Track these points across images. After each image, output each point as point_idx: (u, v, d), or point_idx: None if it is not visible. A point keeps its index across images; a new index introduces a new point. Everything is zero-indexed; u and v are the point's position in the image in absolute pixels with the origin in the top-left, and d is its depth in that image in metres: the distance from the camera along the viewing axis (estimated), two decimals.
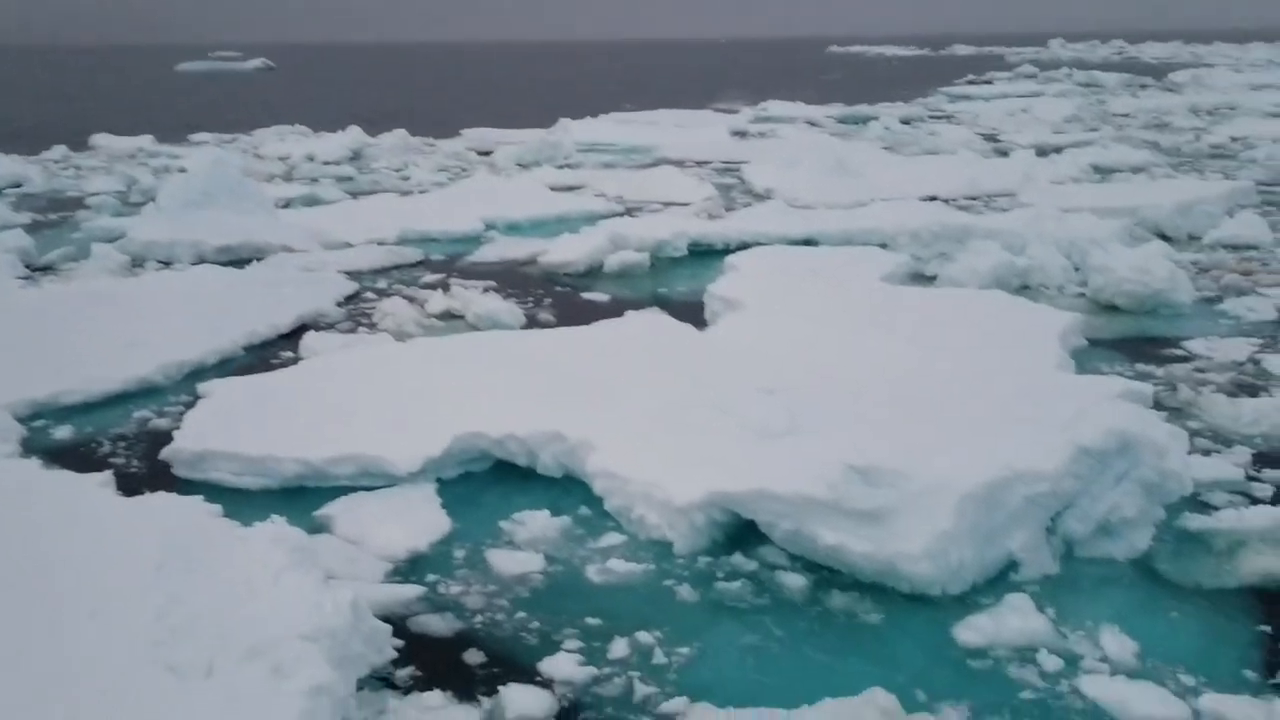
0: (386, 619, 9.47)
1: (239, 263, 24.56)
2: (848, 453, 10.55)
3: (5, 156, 41.75)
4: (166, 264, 25.09)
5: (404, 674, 8.98)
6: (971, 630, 9.19)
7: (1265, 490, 11.91)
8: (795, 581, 10.19)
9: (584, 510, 11.82)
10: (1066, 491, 10.37)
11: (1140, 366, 16.90)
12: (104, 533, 10.14)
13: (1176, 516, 11.18)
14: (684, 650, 9.26)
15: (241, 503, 11.66)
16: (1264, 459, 12.86)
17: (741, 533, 10.90)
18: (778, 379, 13.35)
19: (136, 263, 25.28)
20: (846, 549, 9.96)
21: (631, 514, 11.23)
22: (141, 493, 11.51)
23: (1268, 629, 9.36)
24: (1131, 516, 10.60)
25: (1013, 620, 9.12)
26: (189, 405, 15.07)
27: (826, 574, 10.26)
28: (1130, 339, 18.54)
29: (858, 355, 14.60)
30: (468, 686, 8.85)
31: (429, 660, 9.25)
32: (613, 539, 11.24)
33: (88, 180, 39.70)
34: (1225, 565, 10.35)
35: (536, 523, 11.55)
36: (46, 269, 25.26)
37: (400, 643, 9.33)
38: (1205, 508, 11.47)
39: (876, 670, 8.80)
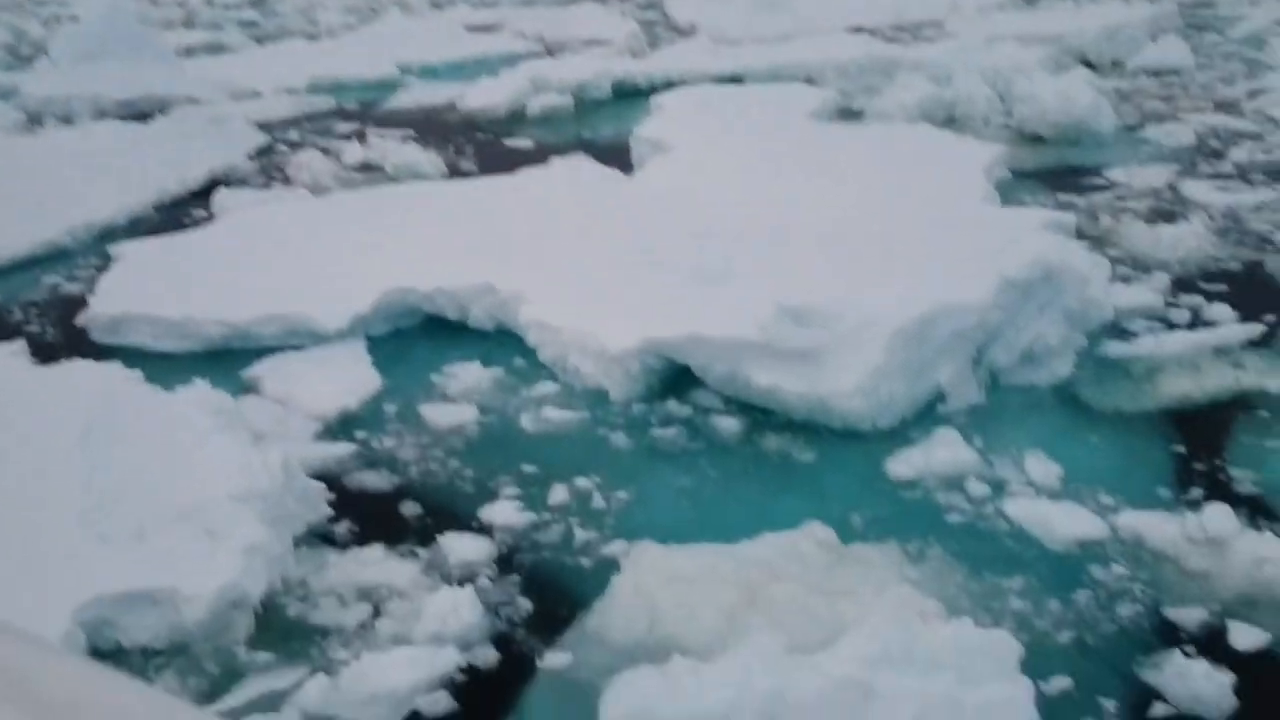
0: (320, 477, 9.43)
1: (141, 117, 23.37)
2: (782, 294, 10.57)
3: None
4: (66, 121, 23.88)
5: (341, 530, 8.97)
6: (903, 463, 9.43)
7: (1182, 315, 12.22)
8: (730, 424, 10.32)
9: (518, 362, 11.77)
10: (992, 323, 10.55)
11: (1063, 196, 17.06)
12: (23, 404, 9.88)
13: (1098, 344, 11.49)
14: (622, 494, 9.39)
15: (164, 367, 11.39)
16: (1181, 284, 13.16)
17: (676, 378, 10.96)
18: (709, 224, 13.24)
19: (34, 120, 24.03)
20: (780, 389, 10.07)
21: (566, 364, 11.21)
22: (58, 361, 11.20)
23: (1183, 449, 9.74)
24: (1054, 344, 10.85)
25: (941, 452, 9.37)
26: (101, 269, 14.58)
27: (760, 415, 10.40)
28: (1054, 169, 18.66)
29: (788, 196, 14.49)
30: (407, 538, 8.88)
31: (366, 515, 9.23)
32: (548, 389, 11.23)
33: None
34: (1144, 390, 10.69)
35: (470, 375, 11.49)
36: None
37: (335, 499, 9.30)
38: (1125, 335, 11.78)
39: (812, 505, 8.98)
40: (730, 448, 10.08)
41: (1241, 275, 13.50)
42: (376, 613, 7.90)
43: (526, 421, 10.67)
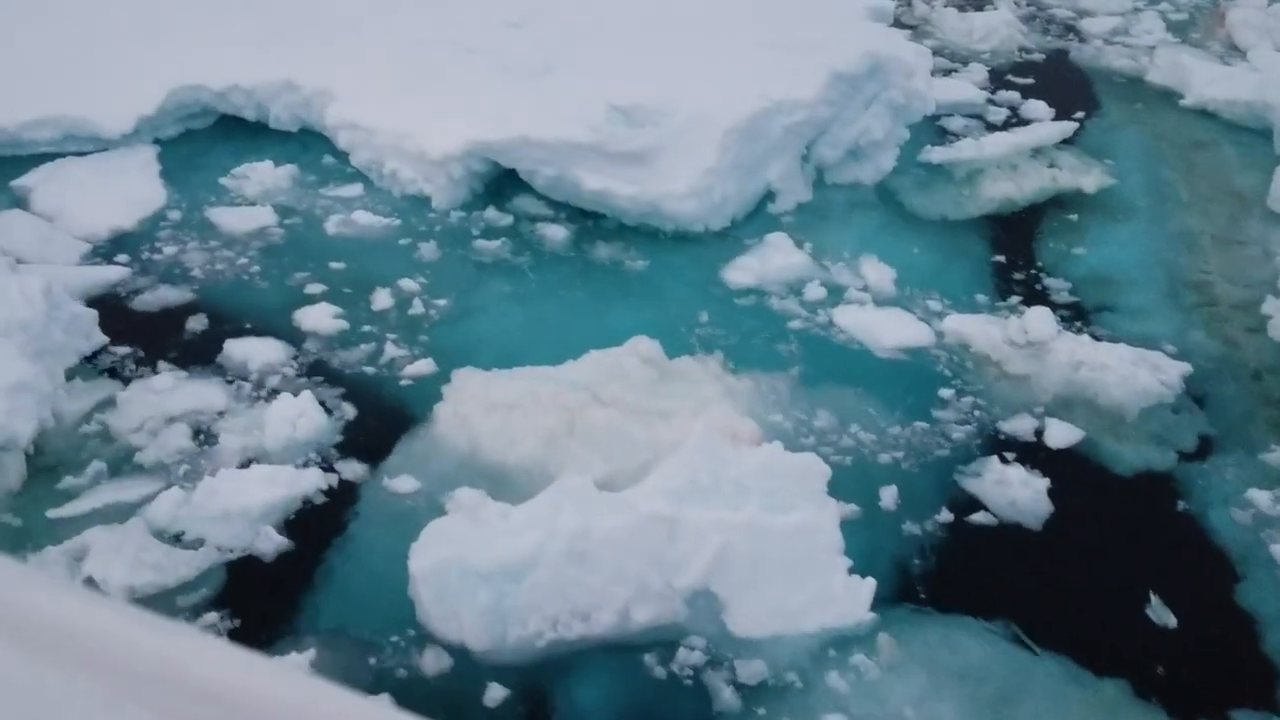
0: (97, 302, 8.59)
1: None
2: (609, 91, 10.15)
3: None
4: None
5: (122, 357, 8.18)
6: (736, 270, 9.42)
7: (999, 114, 12.44)
8: (558, 232, 10.01)
9: (327, 165, 10.98)
10: (821, 119, 10.49)
11: None
12: None
13: (920, 140, 11.61)
14: (445, 306, 8.98)
15: None
16: (996, 77, 13.41)
17: (500, 183, 10.50)
18: (519, 10, 12.44)
19: None
20: (611, 192, 9.80)
21: (383, 169, 10.52)
22: None
23: (1004, 253, 10.05)
24: (879, 139, 10.92)
25: (776, 258, 9.40)
26: None
27: (590, 223, 10.13)
28: None
29: None
30: (200, 358, 8.22)
31: (152, 339, 8.45)
32: (361, 194, 10.55)
33: None
34: (966, 194, 10.92)
35: (271, 181, 10.63)
36: None
37: (116, 324, 8.45)
38: (947, 135, 11.94)
39: (644, 316, 8.83)
40: (559, 257, 9.80)
41: (1050, 67, 13.86)
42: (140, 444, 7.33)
43: (338, 228, 10.03)
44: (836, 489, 6.62)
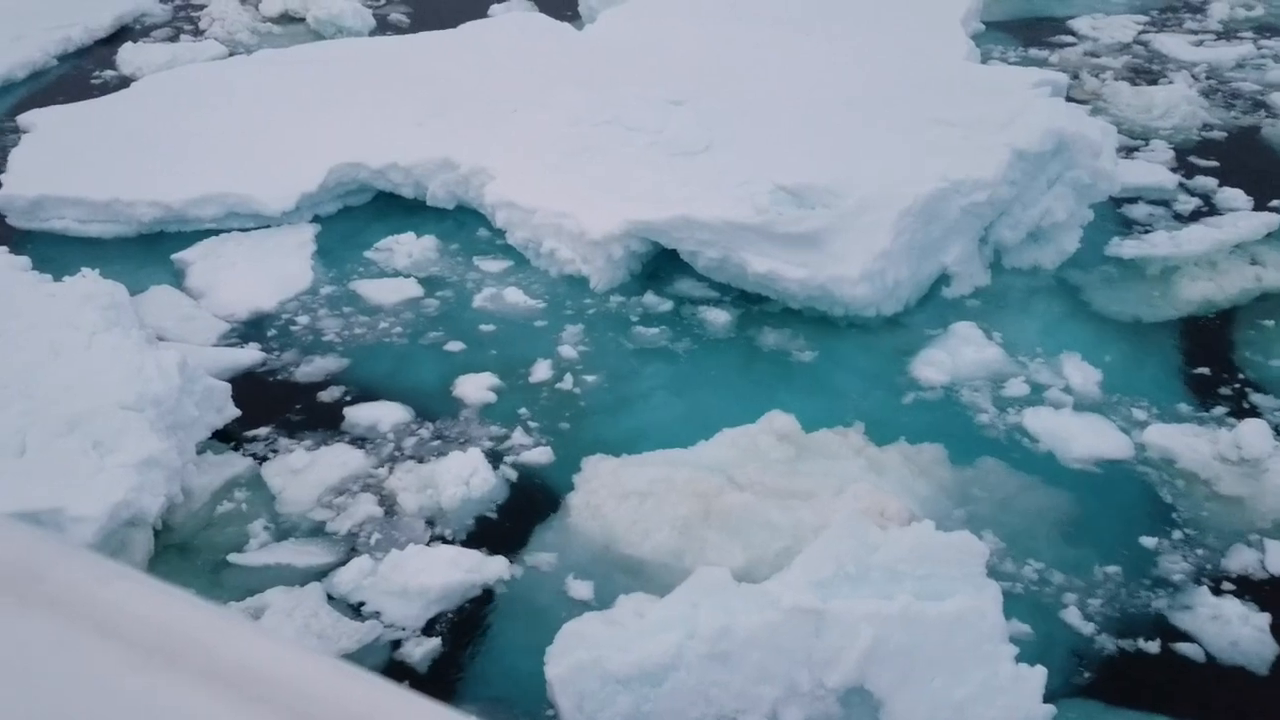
0: (232, 376, 8.61)
1: None
2: (775, 170, 9.74)
3: None
4: None
5: (259, 432, 8.17)
6: (925, 363, 8.80)
7: (1189, 204, 11.50)
8: (720, 316, 9.59)
9: (479, 240, 10.83)
10: (1002, 199, 9.87)
11: (1034, 52, 16.30)
12: None
13: (1101, 232, 10.77)
14: (594, 386, 8.72)
15: (91, 253, 10.20)
16: (1181, 157, 12.55)
17: (659, 264, 10.15)
18: (680, 86, 12.17)
19: None
20: (778, 275, 9.33)
21: (540, 248, 10.28)
22: None
23: (1207, 358, 9.15)
24: (1062, 220, 10.24)
25: (967, 350, 8.76)
26: (3, 137, 13.12)
27: (754, 306, 9.67)
28: (1018, 20, 17.79)
29: (757, 55, 13.42)
30: (334, 425, 8.22)
31: (286, 410, 8.46)
32: (514, 271, 10.36)
33: None
34: (1162, 291, 9.98)
35: (418, 250, 10.56)
36: None
37: (256, 398, 8.49)
38: (1129, 222, 11.11)
39: (814, 407, 8.33)
40: (721, 341, 9.38)
41: (1240, 147, 12.93)
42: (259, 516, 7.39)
43: (489, 305, 9.85)
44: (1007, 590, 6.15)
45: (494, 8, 17.94)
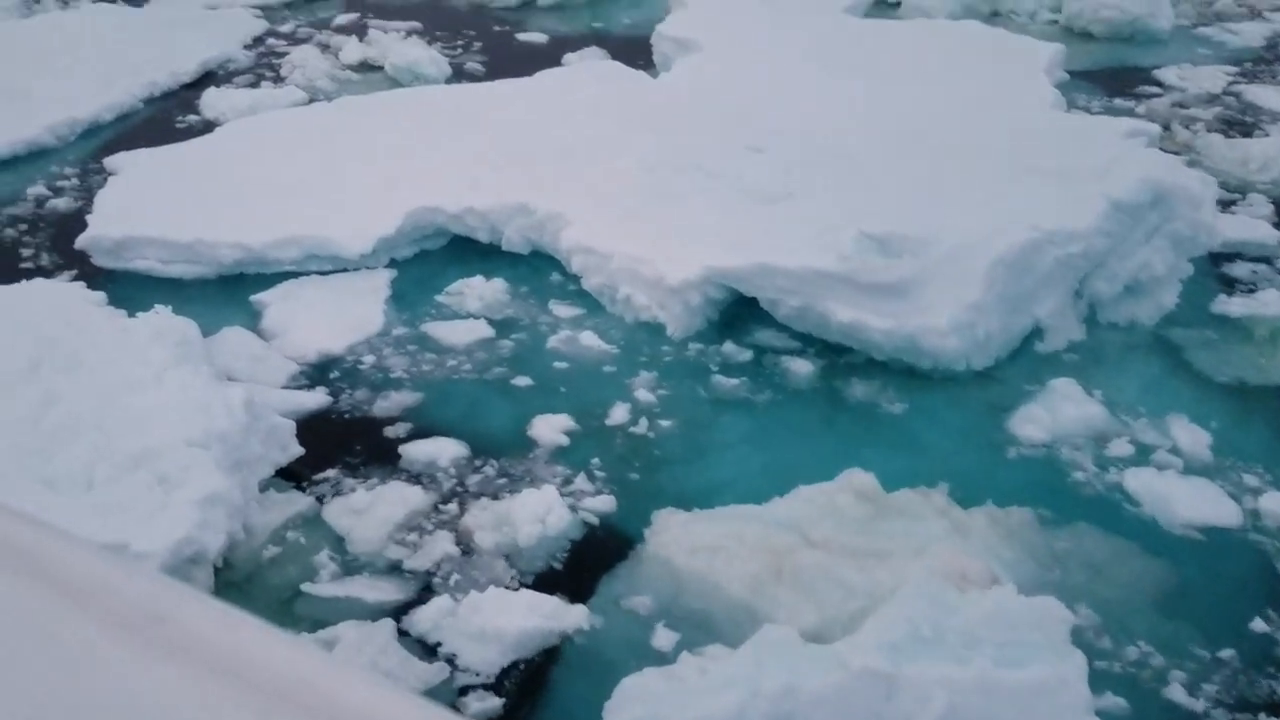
0: (297, 417, 8.52)
1: (139, 0, 21.88)
2: (859, 217, 9.47)
3: None
4: (65, 4, 22.27)
5: (322, 471, 8.08)
6: (1024, 420, 8.42)
7: None
8: (802, 366, 9.30)
9: (553, 284, 10.69)
10: (1098, 251, 9.50)
11: (1119, 102, 15.90)
12: None
13: (1200, 288, 10.31)
14: (669, 435, 8.49)
15: (173, 293, 10.19)
16: None
17: (739, 311, 9.90)
18: (757, 133, 11.99)
19: (33, 0, 22.39)
20: (863, 325, 9.03)
21: (616, 294, 10.10)
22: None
23: None
24: (1160, 274, 9.83)
25: (1067, 407, 8.36)
26: (86, 176, 13.42)
27: (837, 358, 9.37)
28: (1107, 70, 17.42)
29: (838, 101, 13.21)
30: (393, 462, 8.12)
31: (350, 448, 8.36)
32: (587, 316, 10.19)
33: None
34: (1267, 356, 9.46)
35: (490, 293, 10.47)
36: None
37: (323, 437, 8.45)
38: (1230, 280, 10.63)
39: (904, 464, 7.99)
40: (803, 393, 9.09)
41: None
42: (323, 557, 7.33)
43: (562, 349, 9.71)
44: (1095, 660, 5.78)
45: (568, 56, 17.99)
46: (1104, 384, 8.85)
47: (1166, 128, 14.48)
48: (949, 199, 9.93)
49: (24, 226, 12.39)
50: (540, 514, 7.44)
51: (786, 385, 9.16)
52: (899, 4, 20.41)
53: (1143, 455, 8.09)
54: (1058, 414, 8.29)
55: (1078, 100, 15.55)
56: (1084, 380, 8.85)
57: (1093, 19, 18.69)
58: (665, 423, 8.67)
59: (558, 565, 7.29)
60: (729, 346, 9.58)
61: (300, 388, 9.23)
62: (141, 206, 11.29)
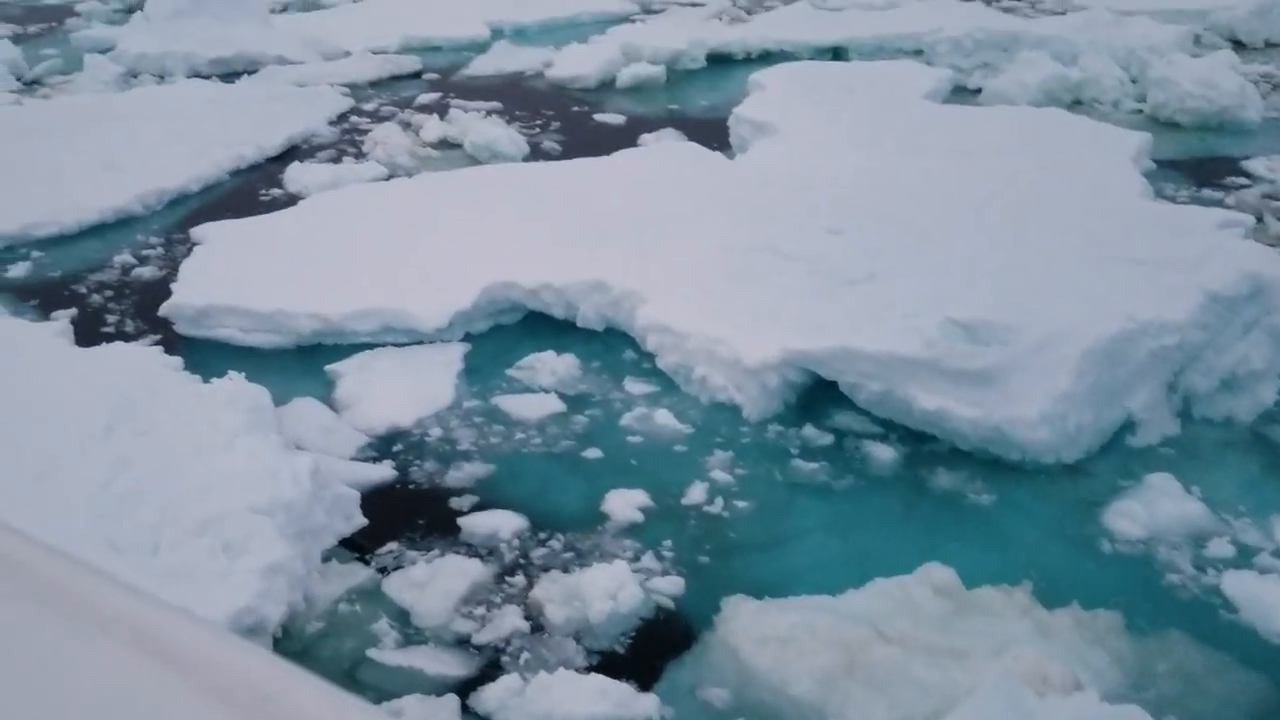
0: (363, 490, 8.44)
1: (232, 76, 22.73)
2: (943, 302, 9.24)
3: None
4: (160, 78, 23.22)
5: (386, 548, 7.98)
6: (1119, 515, 8.04)
7: None
8: (885, 453, 9.01)
9: (626, 362, 10.57)
10: (1193, 343, 9.14)
11: (1208, 192, 15.51)
12: (52, 388, 9.01)
13: None
14: (744, 519, 8.25)
15: (251, 362, 10.27)
16: None
17: (817, 395, 9.67)
18: (837, 215, 11.85)
19: (131, 75, 23.38)
20: (948, 413, 8.75)
21: (692, 374, 9.93)
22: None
23: None
24: (1259, 369, 9.42)
25: (1165, 504, 7.98)
26: (170, 244, 13.78)
27: (921, 446, 9.08)
28: (1194, 160, 17.06)
29: (919, 185, 13.06)
30: (455, 535, 8.02)
31: (414, 520, 8.28)
32: (661, 394, 10.03)
33: None
34: None
35: (563, 368, 10.38)
36: (35, 83, 23.45)
37: (387, 510, 8.36)
38: None
39: (991, 559, 7.69)
40: (885, 480, 8.79)
41: None
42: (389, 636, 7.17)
43: (636, 426, 9.56)
44: None
45: (645, 137, 18.12)
46: (1201, 481, 8.44)
47: (1259, 219, 14.07)
48: (1036, 286, 9.66)
49: (110, 293, 12.65)
50: (612, 590, 7.26)
51: (867, 472, 8.88)
52: (979, 91, 20.30)
53: (1244, 557, 7.67)
54: (1154, 510, 7.90)
55: (1165, 190, 15.21)
56: (1180, 476, 8.45)
57: (1179, 109, 18.36)
58: (740, 504, 8.44)
59: (626, 646, 7.07)
60: (809, 430, 9.34)
61: (368, 459, 9.18)
62: (224, 276, 11.47)
